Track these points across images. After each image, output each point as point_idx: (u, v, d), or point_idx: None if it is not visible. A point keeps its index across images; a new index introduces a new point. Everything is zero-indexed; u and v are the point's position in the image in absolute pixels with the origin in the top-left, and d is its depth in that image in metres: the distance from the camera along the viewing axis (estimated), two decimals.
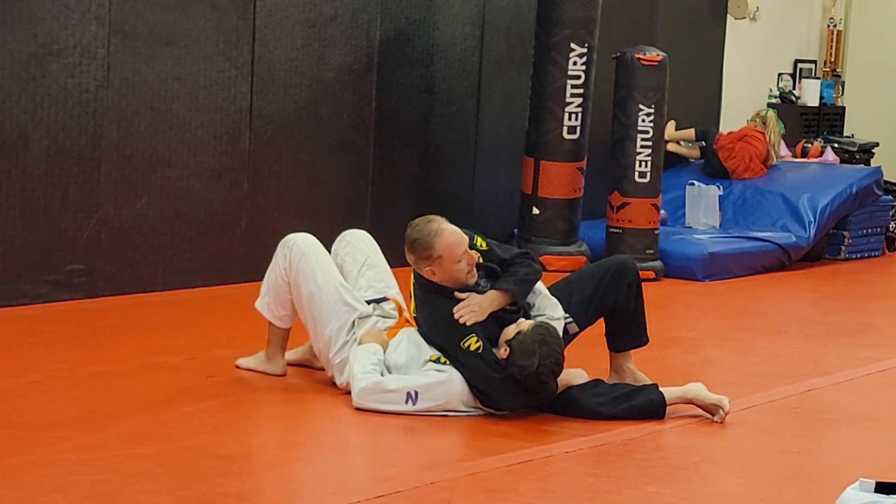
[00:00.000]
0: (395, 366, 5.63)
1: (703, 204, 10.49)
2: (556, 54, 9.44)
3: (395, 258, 6.07)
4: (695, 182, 10.64)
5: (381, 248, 6.21)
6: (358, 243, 6.18)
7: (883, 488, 4.03)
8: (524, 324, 5.51)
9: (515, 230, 9.81)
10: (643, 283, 6.04)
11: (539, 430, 5.38)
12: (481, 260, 5.70)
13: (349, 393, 5.57)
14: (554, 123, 9.49)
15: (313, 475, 4.83)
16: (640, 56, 9.46)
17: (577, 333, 5.92)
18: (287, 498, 4.47)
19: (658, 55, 9.52)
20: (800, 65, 13.12)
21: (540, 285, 5.79)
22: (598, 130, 9.76)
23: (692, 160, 11.22)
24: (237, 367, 6.11)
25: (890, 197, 11.28)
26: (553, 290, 5.85)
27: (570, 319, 5.83)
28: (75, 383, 5.76)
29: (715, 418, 5.61)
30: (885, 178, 11.20)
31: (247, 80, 8.27)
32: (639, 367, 6.05)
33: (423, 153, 9.51)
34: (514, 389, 5.46)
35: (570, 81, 9.46)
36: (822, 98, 12.95)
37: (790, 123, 11.80)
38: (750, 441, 5.46)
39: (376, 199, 9.11)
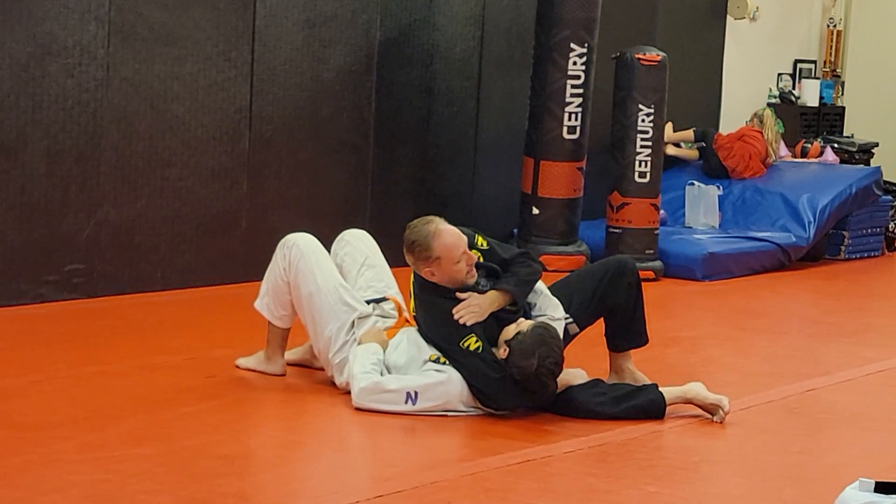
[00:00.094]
0: (395, 366, 5.63)
1: (702, 204, 10.49)
2: (555, 54, 9.44)
3: (395, 258, 6.07)
4: (694, 182, 10.64)
5: (381, 248, 6.21)
6: (357, 243, 6.18)
7: (883, 488, 4.04)
8: (524, 324, 5.51)
9: (515, 230, 9.81)
10: (643, 283, 6.04)
11: (539, 430, 5.38)
12: (481, 259, 5.70)
13: (349, 393, 5.57)
14: (554, 123, 9.50)
15: (313, 475, 4.83)
16: (640, 56, 9.46)
17: (577, 334, 5.92)
18: (287, 498, 4.47)
19: (658, 55, 9.52)
20: (799, 65, 13.12)
21: (541, 285, 5.79)
22: (598, 130, 9.76)
23: (691, 161, 11.21)
24: (237, 367, 6.11)
25: (889, 197, 11.29)
26: (553, 290, 5.85)
27: (571, 320, 5.83)
28: (75, 383, 5.76)
29: (715, 418, 5.61)
30: (884, 178, 11.19)
31: (247, 80, 8.27)
32: (639, 367, 6.05)
33: (423, 153, 9.51)
34: (514, 389, 5.46)
35: (569, 81, 9.46)
36: (821, 98, 12.95)
37: (790, 123, 11.80)
38: (750, 441, 5.46)
39: (376, 199, 9.11)
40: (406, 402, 5.46)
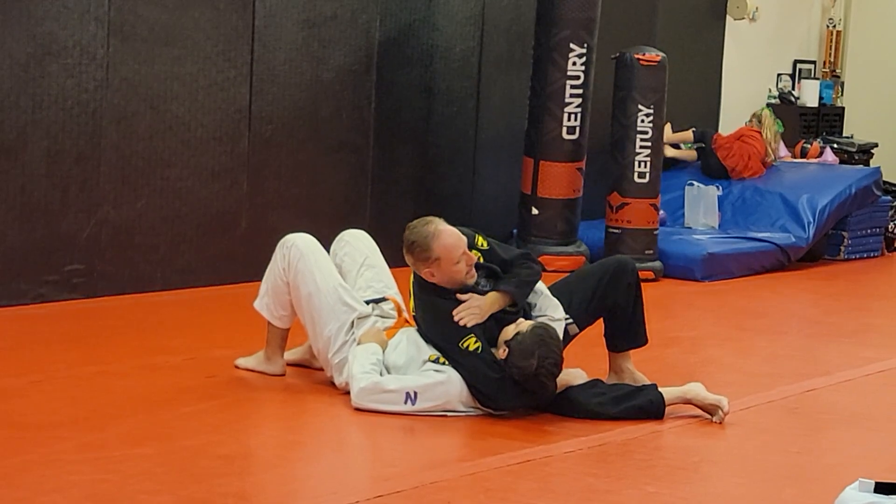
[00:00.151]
0: (394, 366, 5.63)
1: (702, 204, 10.50)
2: (555, 54, 9.45)
3: (395, 258, 6.07)
4: (694, 182, 10.64)
5: (381, 249, 6.21)
6: (357, 243, 6.18)
7: (882, 488, 4.04)
8: (523, 324, 5.51)
9: (515, 230, 9.81)
10: (642, 284, 6.04)
11: (538, 430, 5.38)
12: (481, 260, 5.70)
13: (348, 393, 5.57)
14: (553, 124, 9.50)
15: (313, 475, 4.83)
16: (640, 56, 9.46)
17: (576, 334, 5.92)
18: (287, 498, 4.47)
19: (657, 55, 9.52)
20: (799, 65, 13.12)
21: (541, 286, 5.79)
22: (598, 131, 9.76)
23: (690, 162, 11.21)
24: (236, 367, 6.11)
25: (889, 197, 11.29)
26: (552, 290, 5.85)
27: (571, 320, 5.83)
28: (75, 383, 5.76)
29: (714, 418, 5.61)
30: (884, 178, 11.20)
31: (246, 80, 8.27)
32: (638, 367, 6.05)
33: (423, 153, 9.51)
34: (513, 389, 5.46)
35: (569, 82, 9.46)
36: (821, 98, 12.96)
37: (789, 124, 11.80)
38: (749, 441, 5.46)
39: (376, 199, 9.11)
40: (405, 403, 5.46)
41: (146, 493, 4.33)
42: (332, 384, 5.81)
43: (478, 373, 5.48)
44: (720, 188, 10.65)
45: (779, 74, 12.89)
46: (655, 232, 9.59)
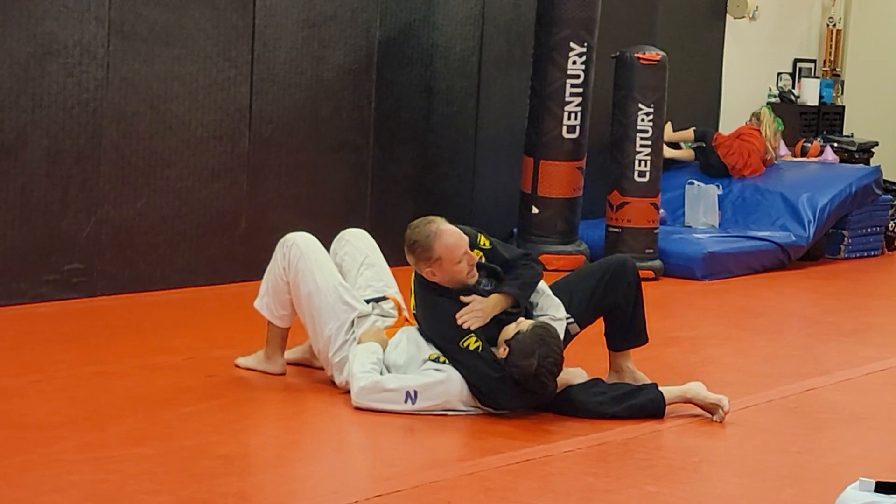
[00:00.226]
0: (395, 365, 5.63)
1: (702, 203, 10.50)
2: (555, 54, 9.45)
3: (395, 257, 6.07)
4: (694, 181, 10.64)
5: (381, 248, 6.21)
6: (357, 242, 6.18)
7: (883, 488, 4.03)
8: (523, 323, 5.51)
9: (515, 229, 9.81)
10: (643, 283, 6.04)
11: (538, 430, 5.38)
12: (483, 259, 5.70)
13: (348, 392, 5.57)
14: (553, 123, 9.50)
15: (313, 475, 4.83)
16: (640, 55, 9.46)
17: (577, 333, 5.92)
18: (287, 498, 4.47)
19: (657, 55, 9.52)
20: (799, 64, 13.12)
21: (542, 285, 5.78)
22: (598, 130, 9.76)
23: (689, 161, 11.21)
24: (236, 366, 6.11)
25: (889, 196, 11.29)
26: (552, 289, 5.84)
27: (572, 320, 5.83)
28: (75, 383, 5.76)
29: (714, 418, 5.61)
30: (884, 177, 11.20)
31: (246, 79, 8.27)
32: (638, 367, 6.04)
33: (423, 153, 9.51)
34: (513, 389, 5.46)
35: (569, 81, 9.46)
36: (821, 97, 12.95)
37: (790, 123, 11.80)
38: (749, 441, 5.46)
39: (376, 199, 9.11)
40: (406, 402, 5.46)
41: (146, 493, 4.33)
42: (333, 383, 5.81)
43: (478, 372, 5.48)
44: (720, 187, 10.65)
45: (779, 73, 12.89)
46: (655, 231, 9.59)
